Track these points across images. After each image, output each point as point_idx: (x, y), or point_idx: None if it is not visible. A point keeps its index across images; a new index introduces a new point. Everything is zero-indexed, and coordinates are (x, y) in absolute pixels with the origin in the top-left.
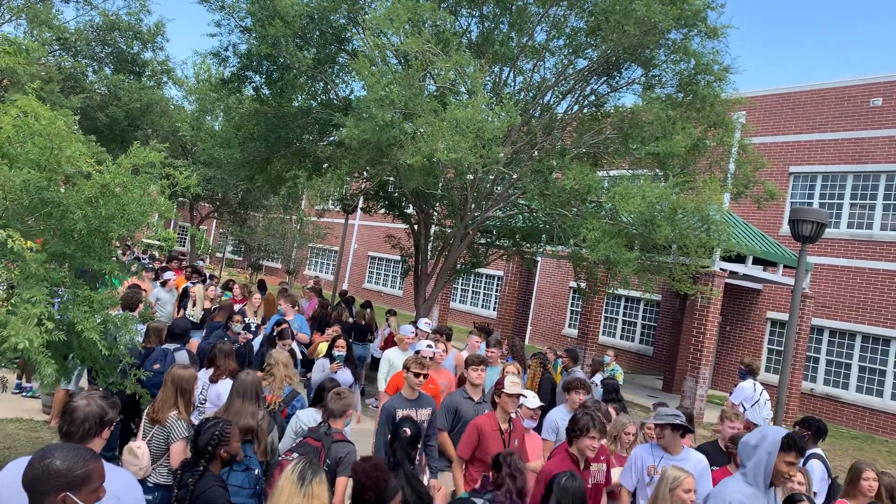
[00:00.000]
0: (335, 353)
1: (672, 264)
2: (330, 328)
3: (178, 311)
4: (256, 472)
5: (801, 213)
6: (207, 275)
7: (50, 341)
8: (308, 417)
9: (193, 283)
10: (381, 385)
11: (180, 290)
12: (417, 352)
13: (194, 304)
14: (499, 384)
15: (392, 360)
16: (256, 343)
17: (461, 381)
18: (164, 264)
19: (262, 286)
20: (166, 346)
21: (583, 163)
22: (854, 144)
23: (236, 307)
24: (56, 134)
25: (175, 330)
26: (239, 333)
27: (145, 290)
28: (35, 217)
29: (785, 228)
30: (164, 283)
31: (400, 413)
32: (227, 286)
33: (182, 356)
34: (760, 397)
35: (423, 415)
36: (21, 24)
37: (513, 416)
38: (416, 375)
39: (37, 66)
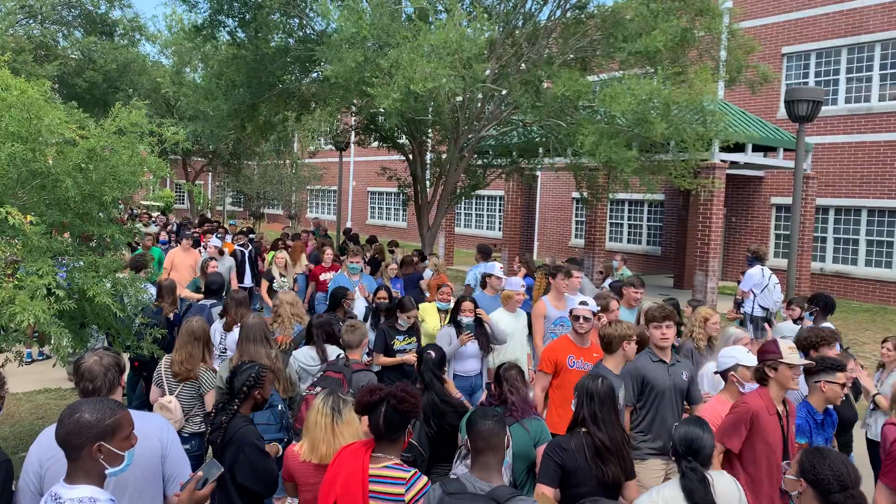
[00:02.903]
0: (463, 319)
1: (672, 161)
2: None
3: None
4: (280, 407)
5: (796, 92)
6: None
7: (62, 311)
8: (305, 356)
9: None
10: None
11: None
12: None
13: (282, 275)
14: (766, 350)
15: (503, 325)
16: (360, 310)
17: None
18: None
19: (250, 233)
20: (203, 301)
21: (571, 69)
22: (846, 16)
23: (325, 276)
24: (31, 104)
25: (211, 286)
26: (353, 317)
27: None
28: (27, 189)
29: (782, 111)
30: (220, 252)
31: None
32: (277, 245)
33: (219, 312)
34: (769, 282)
35: None
36: None
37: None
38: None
39: (5, 38)
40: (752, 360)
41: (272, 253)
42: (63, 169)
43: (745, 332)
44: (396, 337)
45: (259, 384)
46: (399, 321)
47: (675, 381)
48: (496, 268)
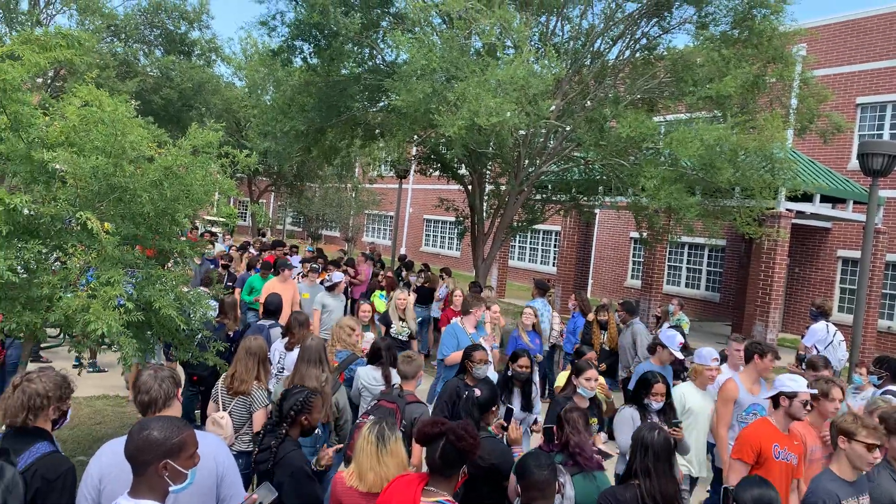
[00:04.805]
0: (652, 404)
1: (736, 207)
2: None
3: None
4: (317, 432)
5: (871, 146)
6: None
7: (130, 321)
8: (367, 375)
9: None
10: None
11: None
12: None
13: (401, 318)
14: None
15: (689, 403)
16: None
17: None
18: (316, 259)
19: (321, 255)
20: (261, 322)
21: (638, 109)
22: None
23: (459, 321)
24: (118, 120)
25: (269, 307)
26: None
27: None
28: (104, 202)
29: (853, 163)
30: (330, 288)
31: None
32: (379, 284)
33: (277, 333)
34: (834, 338)
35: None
36: (73, 13)
37: None
38: (871, 449)
39: (92, 56)
40: None
41: (379, 292)
42: (140, 184)
43: None
44: None
45: (306, 409)
46: (578, 390)
47: None
48: (675, 340)
